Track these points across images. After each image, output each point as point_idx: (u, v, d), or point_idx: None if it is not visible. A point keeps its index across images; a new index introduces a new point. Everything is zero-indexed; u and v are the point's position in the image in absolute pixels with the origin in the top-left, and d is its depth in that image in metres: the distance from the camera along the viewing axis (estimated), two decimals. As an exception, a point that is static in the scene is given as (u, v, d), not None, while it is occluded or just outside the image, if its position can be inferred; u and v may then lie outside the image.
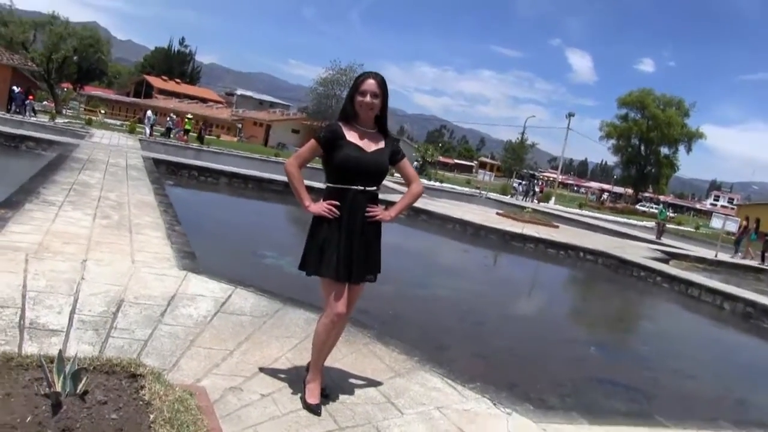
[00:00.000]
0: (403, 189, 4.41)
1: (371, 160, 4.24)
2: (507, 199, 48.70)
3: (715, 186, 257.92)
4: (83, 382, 3.02)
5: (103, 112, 65.34)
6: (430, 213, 23.30)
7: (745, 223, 30.21)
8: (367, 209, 4.22)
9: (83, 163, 16.83)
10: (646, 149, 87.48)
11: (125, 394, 3.18)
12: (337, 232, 4.18)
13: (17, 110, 42.29)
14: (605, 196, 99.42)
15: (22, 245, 7.06)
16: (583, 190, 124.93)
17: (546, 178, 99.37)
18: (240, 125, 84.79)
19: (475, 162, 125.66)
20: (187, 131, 47.11)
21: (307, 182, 4.39)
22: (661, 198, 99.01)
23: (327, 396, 4.39)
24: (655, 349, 10.80)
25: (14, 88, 43.87)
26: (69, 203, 10.38)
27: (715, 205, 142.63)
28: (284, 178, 16.88)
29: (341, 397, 4.47)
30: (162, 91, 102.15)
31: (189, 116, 50.70)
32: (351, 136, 4.21)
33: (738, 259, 28.32)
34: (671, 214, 45.63)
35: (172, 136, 45.83)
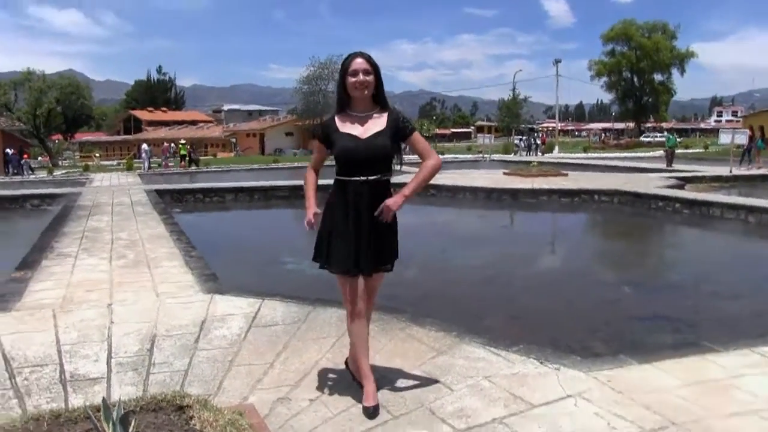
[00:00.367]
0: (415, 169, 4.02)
1: (366, 147, 4.02)
2: (511, 157, 48.51)
3: (716, 102, 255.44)
4: (133, 424, 3.02)
5: (97, 155, 65.25)
6: (438, 187, 23.18)
7: (750, 133, 30.00)
8: (377, 211, 3.99)
9: (89, 209, 16.86)
10: (639, 80, 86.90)
11: (176, 427, 3.18)
12: (343, 224, 4.08)
13: (15, 171, 42.45)
14: (604, 135, 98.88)
15: (47, 302, 7.08)
16: (584, 133, 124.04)
17: (545, 129, 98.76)
18: (234, 140, 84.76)
19: (473, 127, 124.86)
20: (183, 157, 47.07)
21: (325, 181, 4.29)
22: (664, 125, 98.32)
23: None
24: (687, 276, 10.74)
25: (8, 150, 44.04)
26: (83, 251, 10.40)
27: (720, 121, 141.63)
28: (288, 183, 16.86)
29: (389, 386, 4.45)
30: (150, 123, 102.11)
31: (182, 141, 50.64)
32: (345, 126, 4.09)
33: (753, 170, 28.12)
34: (678, 139, 45.26)
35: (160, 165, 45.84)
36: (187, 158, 44.72)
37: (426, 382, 4.56)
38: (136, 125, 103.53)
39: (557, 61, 66.36)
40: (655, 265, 12.37)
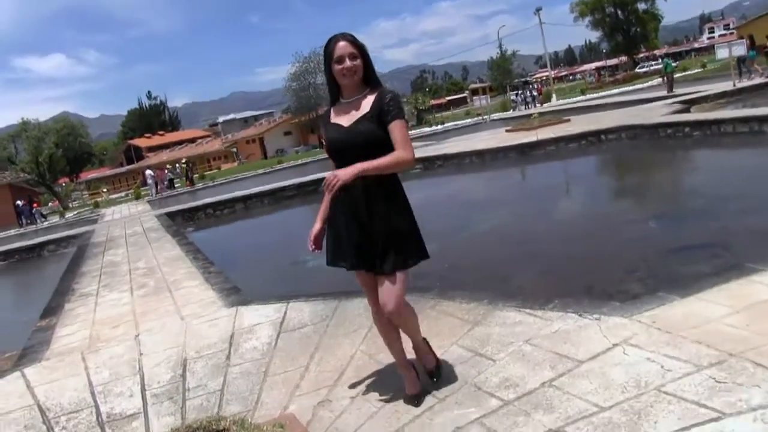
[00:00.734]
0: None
1: (348, 135, 3.68)
2: (510, 114, 48.22)
3: (705, 20, 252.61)
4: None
5: (105, 190, 65.60)
6: (443, 156, 23.07)
7: (748, 42, 29.62)
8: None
9: (103, 244, 16.79)
10: (624, 12, 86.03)
11: (216, 454, 3.04)
12: (343, 220, 3.77)
13: (29, 222, 42.68)
14: (599, 74, 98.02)
15: (75, 345, 6.99)
16: (579, 76, 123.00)
17: (539, 80, 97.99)
18: (235, 149, 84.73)
19: (467, 92, 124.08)
20: (193, 175, 47.15)
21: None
22: (657, 53, 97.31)
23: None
24: (711, 198, 10.47)
25: (18, 202, 44.33)
26: (104, 287, 10.31)
27: (713, 37, 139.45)
28: (294, 182, 16.75)
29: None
30: (150, 148, 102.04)
31: (183, 161, 50.65)
32: (335, 116, 3.79)
33: (757, 79, 27.70)
34: (675, 63, 44.70)
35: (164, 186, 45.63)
36: (185, 177, 44.77)
37: (466, 357, 4.40)
38: (137, 154, 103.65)
39: (538, 10, 65.67)
40: (676, 193, 12.13)
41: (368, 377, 4.44)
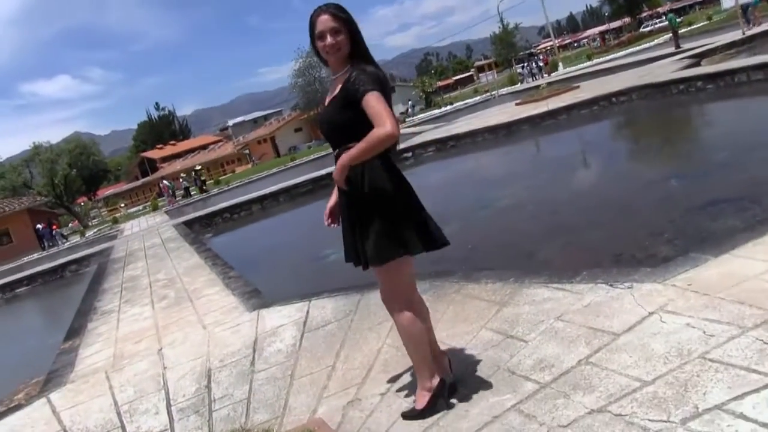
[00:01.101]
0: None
1: (323, 115, 3.47)
2: (518, 87, 47.77)
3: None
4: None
5: (123, 205, 65.75)
6: (456, 137, 22.87)
7: None
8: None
9: (123, 259, 16.75)
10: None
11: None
12: (341, 213, 3.58)
13: (50, 244, 42.94)
14: (603, 38, 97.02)
15: (98, 365, 6.88)
16: (583, 42, 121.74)
17: (544, 50, 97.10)
18: (247, 151, 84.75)
19: (473, 69, 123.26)
20: (203, 182, 47.16)
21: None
22: (660, 10, 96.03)
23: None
24: (733, 150, 10.16)
25: (38, 226, 44.60)
26: (125, 303, 10.23)
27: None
28: (308, 177, 16.68)
29: (460, 357, 4.10)
30: (164, 159, 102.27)
31: (197, 168, 50.70)
32: (328, 94, 3.52)
33: (765, 25, 27.18)
34: (679, 19, 44.05)
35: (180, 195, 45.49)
36: (192, 185, 44.74)
37: (496, 340, 4.21)
38: (151, 165, 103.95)
39: (536, -21, 65.00)
40: (695, 149, 11.85)
41: (397, 371, 4.26)
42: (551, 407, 3.18)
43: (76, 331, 9.24)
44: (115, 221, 45.48)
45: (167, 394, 5.26)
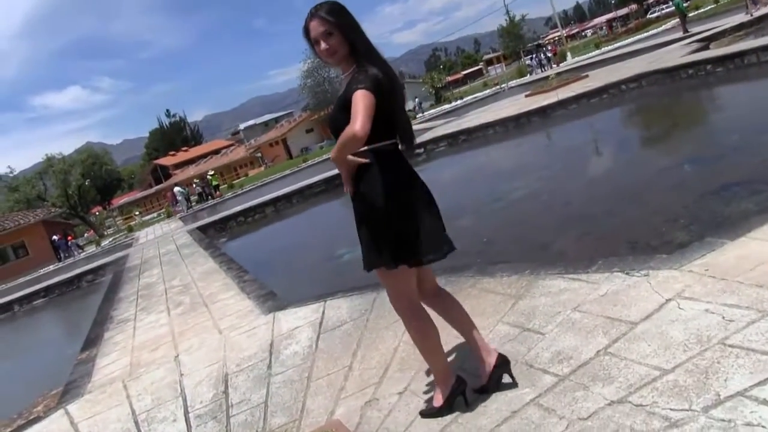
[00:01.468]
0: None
1: (329, 115, 3.38)
2: (528, 79, 47.63)
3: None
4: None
5: (137, 213, 66.11)
6: (467, 131, 22.80)
7: None
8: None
9: (138, 267, 16.81)
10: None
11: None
12: None
13: (66, 255, 43.19)
14: (610, 26, 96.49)
15: (115, 374, 6.89)
16: (591, 31, 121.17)
17: (552, 40, 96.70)
18: (259, 154, 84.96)
19: (482, 63, 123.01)
20: (216, 187, 47.24)
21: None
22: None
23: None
24: (746, 133, 10.03)
25: (54, 238, 44.88)
26: (141, 311, 10.25)
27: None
28: (321, 177, 16.67)
29: (476, 354, 4.05)
30: (177, 166, 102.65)
31: (210, 173, 50.83)
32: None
33: (763, 9, 26.88)
34: (686, 3, 43.71)
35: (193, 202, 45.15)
36: (201, 192, 44.70)
37: (513, 334, 4.17)
38: (164, 172, 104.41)
39: (542, -31, 64.65)
40: (707, 133, 11.72)
41: (414, 369, 4.23)
42: (570, 400, 3.13)
43: (92, 341, 9.26)
44: (130, 229, 45.71)
45: (185, 401, 5.25)
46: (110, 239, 46.84)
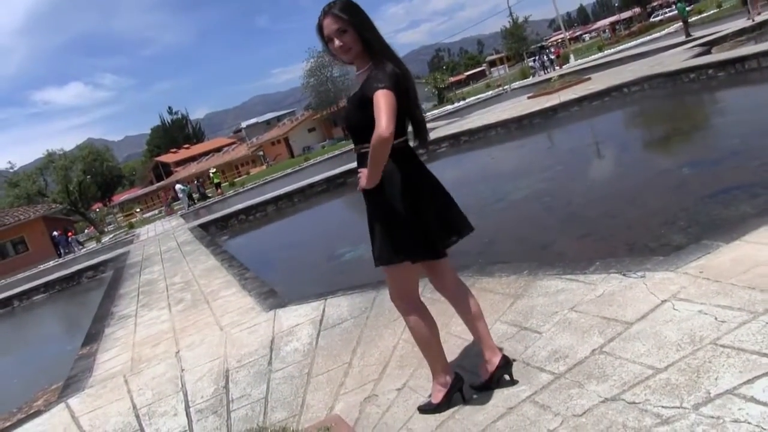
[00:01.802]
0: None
1: (344, 111, 3.45)
2: (530, 80, 47.65)
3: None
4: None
5: (138, 210, 66.14)
6: (469, 132, 22.85)
7: None
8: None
9: (139, 264, 16.87)
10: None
11: (260, 467, 2.92)
12: None
13: (67, 251, 43.20)
14: (614, 29, 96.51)
15: (116, 369, 6.96)
16: (594, 34, 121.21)
17: (555, 42, 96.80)
18: (261, 152, 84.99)
19: (485, 64, 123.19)
20: (218, 185, 47.22)
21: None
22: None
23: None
24: (745, 137, 10.10)
25: (54, 233, 44.85)
26: (142, 308, 10.31)
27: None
28: (323, 176, 16.73)
29: (475, 350, 4.11)
30: (178, 163, 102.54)
31: (212, 170, 50.85)
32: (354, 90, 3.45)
33: (750, 20, 26.89)
34: (689, 7, 43.73)
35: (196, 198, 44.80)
36: (193, 193, 44.46)
37: (511, 333, 4.23)
38: (165, 170, 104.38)
39: (545, -28, 64.72)
40: (707, 137, 11.78)
41: (413, 366, 4.29)
42: (566, 397, 3.20)
43: (93, 336, 9.33)
44: (131, 226, 45.73)
45: (185, 395, 5.32)
46: (111, 236, 46.86)
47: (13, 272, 40.21)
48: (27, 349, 14.62)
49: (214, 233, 20.98)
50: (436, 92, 70.43)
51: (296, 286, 9.05)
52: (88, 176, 71.11)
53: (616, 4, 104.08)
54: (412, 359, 4.38)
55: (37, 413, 6.38)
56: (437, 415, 3.51)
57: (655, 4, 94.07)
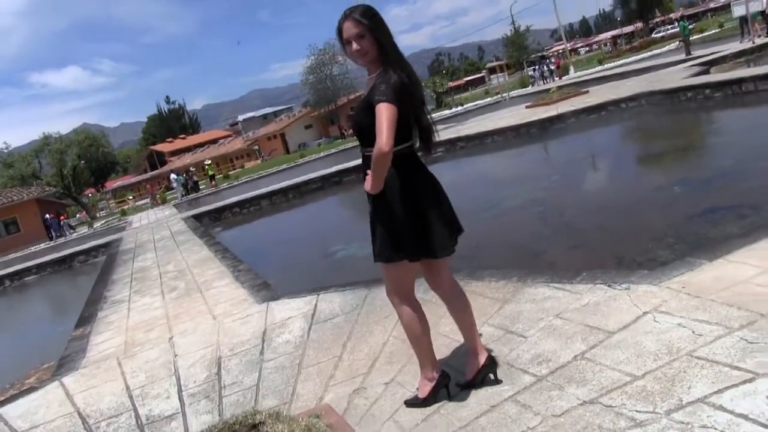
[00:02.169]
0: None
1: (353, 113, 3.60)
2: (529, 90, 47.83)
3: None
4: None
5: (131, 198, 66.12)
6: (466, 138, 22.99)
7: None
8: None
9: (132, 251, 16.97)
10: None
11: (253, 448, 3.07)
12: None
13: (58, 234, 43.16)
14: (615, 43, 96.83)
15: (110, 351, 7.08)
16: (595, 46, 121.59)
17: (556, 53, 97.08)
18: (257, 147, 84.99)
19: (484, 71, 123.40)
20: (212, 177, 47.29)
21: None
22: (672, 16, 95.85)
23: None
24: (738, 159, 10.31)
25: (47, 216, 44.79)
26: (135, 293, 10.43)
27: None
28: (318, 174, 16.81)
29: (462, 350, 4.27)
30: (173, 153, 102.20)
31: (207, 162, 50.89)
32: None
33: (750, 42, 27.11)
34: (691, 26, 44.02)
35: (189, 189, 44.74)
36: (186, 184, 44.36)
37: (497, 336, 4.40)
38: (159, 159, 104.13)
39: (550, -18, 64.93)
40: (700, 156, 11.98)
41: (401, 362, 4.45)
42: (546, 398, 3.36)
43: (86, 319, 9.42)
44: (124, 213, 45.74)
45: (178, 380, 5.46)
46: (103, 221, 46.84)
47: (5, 252, 40.18)
48: (18, 329, 14.70)
49: (208, 224, 21.07)
50: (435, 96, 70.63)
51: (288, 281, 9.17)
52: (83, 161, 71.14)
53: (619, 18, 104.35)
54: (401, 356, 4.54)
55: (32, 389, 6.49)
56: (423, 409, 3.67)
57: (657, 20, 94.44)
